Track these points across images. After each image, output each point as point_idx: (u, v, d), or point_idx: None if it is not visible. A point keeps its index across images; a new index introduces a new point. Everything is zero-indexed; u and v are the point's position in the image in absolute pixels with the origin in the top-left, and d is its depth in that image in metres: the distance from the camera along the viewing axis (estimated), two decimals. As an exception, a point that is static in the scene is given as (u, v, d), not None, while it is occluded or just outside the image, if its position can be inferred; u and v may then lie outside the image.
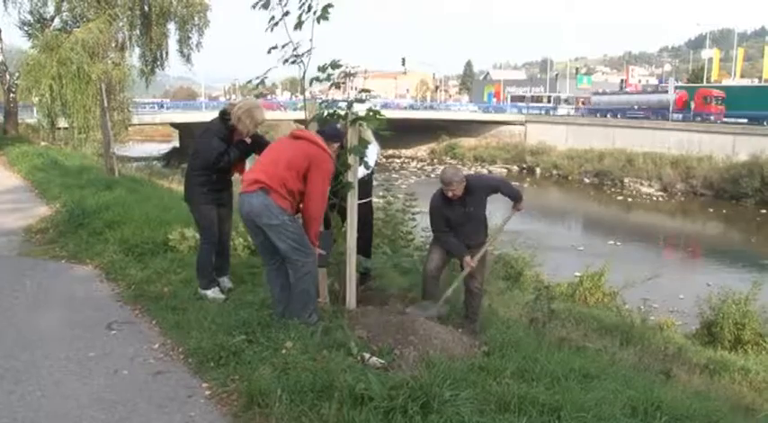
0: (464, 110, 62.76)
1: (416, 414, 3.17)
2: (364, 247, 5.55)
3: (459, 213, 5.36)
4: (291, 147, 4.55)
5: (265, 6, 4.61)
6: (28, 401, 3.69)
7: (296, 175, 4.41)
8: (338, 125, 4.88)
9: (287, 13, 4.57)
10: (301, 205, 4.54)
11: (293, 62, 4.71)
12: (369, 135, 5.31)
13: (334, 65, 4.73)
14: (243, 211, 4.51)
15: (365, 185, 5.53)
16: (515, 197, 5.69)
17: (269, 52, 4.66)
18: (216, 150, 5.23)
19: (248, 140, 5.38)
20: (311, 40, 4.57)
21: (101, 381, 3.97)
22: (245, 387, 3.60)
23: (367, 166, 5.46)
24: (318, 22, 4.48)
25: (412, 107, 63.53)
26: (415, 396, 3.28)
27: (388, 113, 5.22)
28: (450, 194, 5.27)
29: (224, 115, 5.34)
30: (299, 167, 4.41)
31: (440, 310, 5.18)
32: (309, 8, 4.50)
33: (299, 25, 4.54)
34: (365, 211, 5.58)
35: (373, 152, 5.57)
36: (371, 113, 4.75)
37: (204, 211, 5.46)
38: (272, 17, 4.60)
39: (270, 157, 4.65)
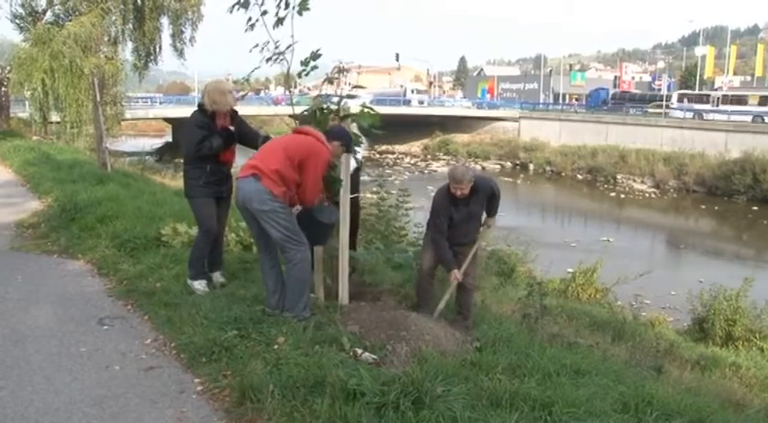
0: (458, 106, 62.61)
1: (408, 409, 3.17)
2: (351, 242, 5.55)
3: (462, 213, 5.31)
4: (290, 139, 4.69)
5: (245, 7, 4.60)
6: (19, 397, 3.67)
7: (290, 163, 4.48)
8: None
9: (265, 13, 4.56)
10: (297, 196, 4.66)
11: (276, 60, 4.71)
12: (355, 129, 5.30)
13: (315, 56, 4.72)
14: (238, 197, 4.61)
15: (353, 180, 5.50)
16: (495, 211, 5.60)
17: (250, 51, 4.67)
18: (195, 138, 5.23)
19: (231, 128, 5.39)
20: (292, 35, 4.58)
21: (92, 376, 3.96)
22: (238, 382, 3.60)
23: (357, 161, 5.45)
24: (300, 14, 4.46)
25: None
26: (407, 391, 3.28)
27: (380, 109, 5.22)
28: (458, 194, 5.17)
29: (202, 106, 5.36)
30: (293, 156, 4.49)
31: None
32: (287, 5, 4.48)
33: (279, 22, 4.52)
34: (353, 207, 5.58)
35: (360, 147, 5.56)
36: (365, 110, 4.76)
37: (201, 204, 5.44)
38: (250, 18, 4.59)
39: (269, 147, 4.76)
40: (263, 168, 4.47)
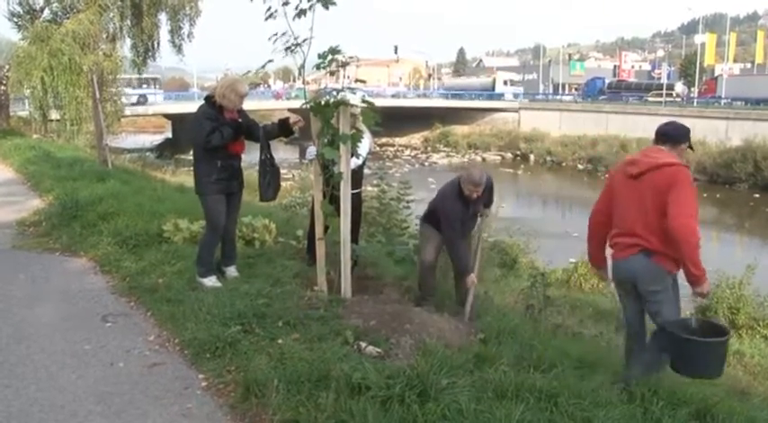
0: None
1: (414, 402, 3.16)
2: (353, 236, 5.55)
3: (470, 212, 5.36)
4: (642, 188, 3.99)
5: None
6: (23, 395, 3.67)
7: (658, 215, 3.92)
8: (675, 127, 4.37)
9: (287, 3, 4.53)
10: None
11: (292, 50, 4.68)
12: (361, 125, 5.28)
13: (334, 51, 4.69)
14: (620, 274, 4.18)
15: (355, 176, 5.48)
16: (491, 202, 5.73)
17: (269, 39, 4.62)
18: (204, 130, 5.19)
19: (239, 120, 5.38)
20: (311, 28, 4.56)
21: (96, 373, 3.96)
22: (242, 378, 3.60)
23: (358, 156, 5.43)
24: (327, 7, 4.45)
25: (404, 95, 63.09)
26: (412, 384, 3.28)
27: (380, 102, 5.20)
28: (474, 196, 5.20)
29: (210, 99, 5.35)
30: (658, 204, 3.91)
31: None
32: None
33: (302, 13, 4.50)
34: (355, 202, 5.57)
35: (365, 143, 5.54)
36: (365, 104, 4.73)
37: (211, 201, 5.42)
38: (269, 8, 4.56)
39: (625, 204, 4.07)
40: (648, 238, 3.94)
